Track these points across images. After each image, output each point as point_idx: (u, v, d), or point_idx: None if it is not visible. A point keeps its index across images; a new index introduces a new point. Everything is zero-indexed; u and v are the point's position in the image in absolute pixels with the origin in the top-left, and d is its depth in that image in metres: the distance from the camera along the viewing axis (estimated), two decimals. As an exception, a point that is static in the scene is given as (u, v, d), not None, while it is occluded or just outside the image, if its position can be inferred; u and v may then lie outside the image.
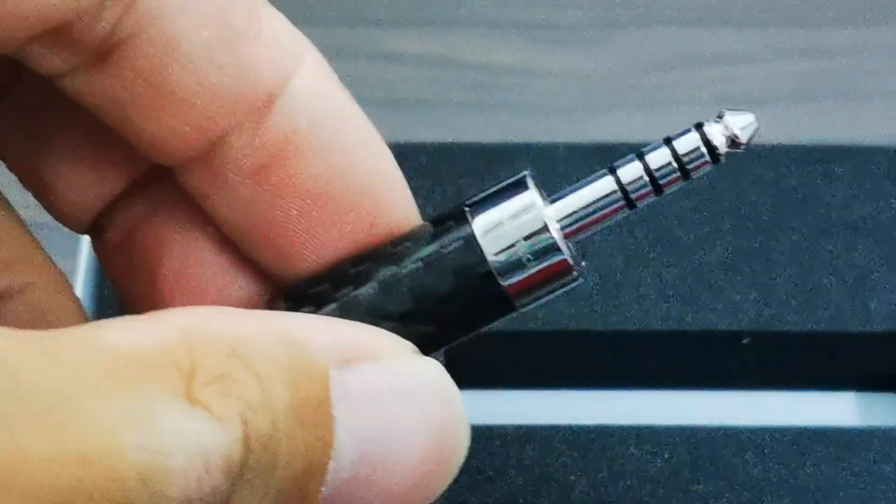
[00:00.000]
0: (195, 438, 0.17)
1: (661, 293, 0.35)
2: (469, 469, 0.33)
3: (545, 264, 0.22)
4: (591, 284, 0.36)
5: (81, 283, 0.35)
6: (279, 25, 0.22)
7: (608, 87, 0.46)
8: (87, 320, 0.24)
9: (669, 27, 0.48)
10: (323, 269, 0.23)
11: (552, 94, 0.46)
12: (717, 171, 0.38)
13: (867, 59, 0.47)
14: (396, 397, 0.20)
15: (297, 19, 0.22)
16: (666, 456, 0.33)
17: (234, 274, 0.24)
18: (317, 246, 0.23)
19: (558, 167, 0.38)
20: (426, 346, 0.22)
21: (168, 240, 0.24)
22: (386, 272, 0.22)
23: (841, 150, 0.38)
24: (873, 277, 0.36)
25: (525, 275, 0.22)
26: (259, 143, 0.22)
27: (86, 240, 0.36)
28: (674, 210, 0.37)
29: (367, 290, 0.22)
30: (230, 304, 0.24)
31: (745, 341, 0.35)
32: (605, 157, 0.38)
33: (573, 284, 0.23)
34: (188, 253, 0.24)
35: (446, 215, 0.23)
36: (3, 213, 0.24)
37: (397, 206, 0.23)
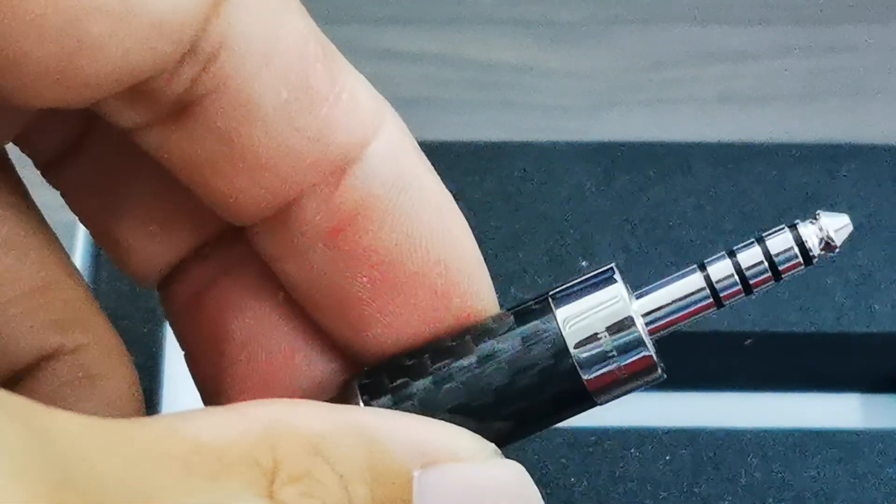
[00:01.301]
0: None
1: (663, 294, 0.35)
2: (468, 471, 0.33)
3: (629, 360, 0.22)
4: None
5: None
6: (360, 88, 0.22)
7: (610, 85, 0.46)
8: (138, 388, 0.24)
9: (672, 24, 0.47)
10: (401, 355, 0.23)
11: (553, 92, 0.46)
12: (719, 170, 0.37)
13: (873, 56, 0.46)
14: (478, 500, 0.20)
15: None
16: (667, 458, 0.33)
17: (302, 342, 0.24)
18: (387, 317, 0.22)
19: (559, 165, 0.37)
20: (503, 438, 0.22)
21: (238, 302, 0.24)
22: (465, 364, 0.22)
23: (846, 149, 0.38)
24: (877, 278, 0.36)
25: (607, 369, 0.22)
26: (333, 206, 0.22)
27: (82, 232, 0.35)
28: (676, 209, 0.37)
29: (447, 387, 0.22)
30: (297, 373, 0.24)
31: (747, 342, 0.35)
32: (608, 155, 0.38)
33: (655, 382, 0.22)
34: (257, 317, 0.24)
35: (529, 305, 0.22)
36: (66, 272, 0.23)
37: (471, 281, 0.23)
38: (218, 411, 0.18)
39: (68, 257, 0.24)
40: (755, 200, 0.37)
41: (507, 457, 0.21)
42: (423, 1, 0.48)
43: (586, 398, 0.22)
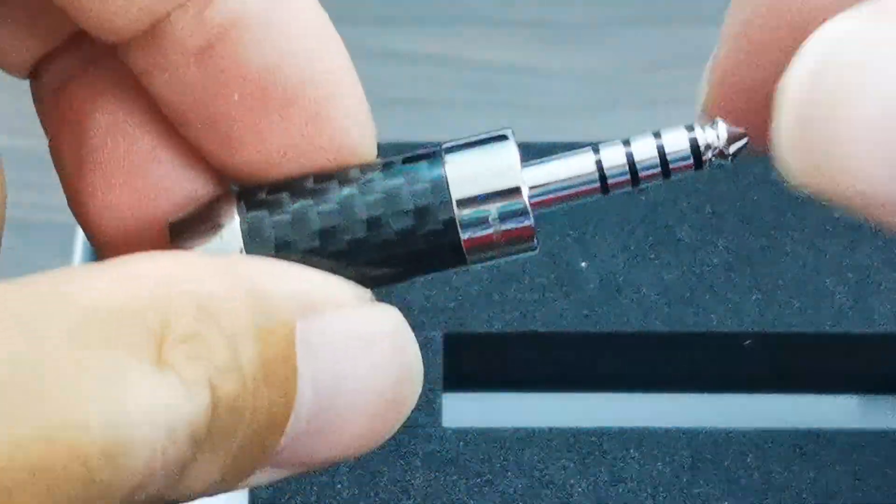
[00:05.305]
0: (162, 408, 0.17)
1: (662, 294, 0.35)
2: (467, 472, 0.33)
3: (509, 227, 0.22)
4: (591, 286, 0.35)
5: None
6: None
7: (609, 86, 0.46)
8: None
9: (672, 25, 0.47)
10: (283, 178, 0.22)
11: (552, 93, 0.46)
12: (719, 171, 0.37)
13: (871, 57, 0.46)
14: (355, 346, 0.20)
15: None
16: (666, 459, 0.33)
17: (168, 142, 0.23)
18: (258, 137, 0.22)
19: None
20: (369, 282, 0.22)
21: (103, 91, 0.23)
22: (346, 193, 0.22)
23: (844, 150, 0.38)
24: (877, 278, 0.36)
25: (486, 232, 0.22)
26: (204, 23, 0.21)
27: (80, 239, 0.35)
28: (675, 210, 0.37)
29: (324, 207, 0.22)
30: (160, 172, 0.23)
31: (746, 343, 0.35)
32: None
33: (527, 254, 0.22)
34: (123, 107, 0.23)
35: (421, 154, 0.22)
36: None
37: (345, 102, 0.22)
38: (104, 269, 0.18)
39: None
40: (754, 201, 0.37)
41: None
42: (423, 1, 0.48)
43: (459, 256, 0.22)
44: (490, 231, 0.22)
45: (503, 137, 0.22)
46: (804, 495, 0.33)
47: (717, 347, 0.35)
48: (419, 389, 0.21)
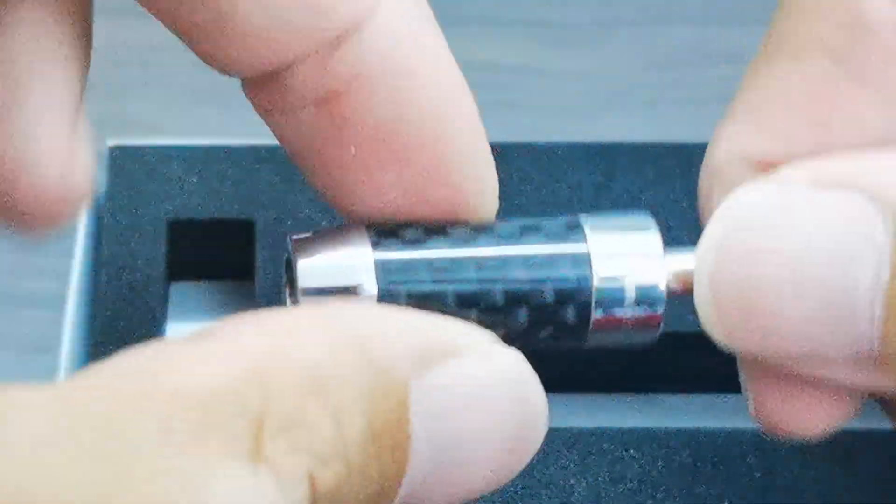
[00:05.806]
0: None
1: (663, 294, 0.35)
2: (468, 472, 0.33)
3: (641, 313, 0.21)
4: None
5: (76, 281, 0.35)
6: None
7: (610, 86, 0.46)
8: (75, 66, 0.22)
9: (672, 25, 0.47)
10: (416, 223, 0.22)
11: (553, 94, 0.46)
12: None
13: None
14: (475, 396, 0.19)
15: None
16: (666, 459, 0.33)
17: None
18: (374, 187, 0.22)
19: (559, 167, 0.37)
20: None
21: None
22: (482, 242, 0.21)
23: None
24: (877, 278, 0.36)
25: (617, 314, 0.21)
26: (326, 75, 0.21)
27: (81, 239, 0.35)
28: (676, 210, 0.37)
29: (458, 253, 0.21)
30: None
31: (747, 343, 0.35)
32: (607, 157, 0.38)
33: (645, 342, 0.22)
34: None
35: (561, 221, 0.22)
36: None
37: (465, 161, 0.22)
38: (200, 346, 0.17)
39: None
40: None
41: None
42: (423, 1, 0.48)
43: (581, 332, 0.22)
44: (621, 314, 0.21)
45: (646, 218, 0.22)
46: (804, 495, 0.33)
47: (717, 347, 0.35)
48: (543, 434, 0.20)
